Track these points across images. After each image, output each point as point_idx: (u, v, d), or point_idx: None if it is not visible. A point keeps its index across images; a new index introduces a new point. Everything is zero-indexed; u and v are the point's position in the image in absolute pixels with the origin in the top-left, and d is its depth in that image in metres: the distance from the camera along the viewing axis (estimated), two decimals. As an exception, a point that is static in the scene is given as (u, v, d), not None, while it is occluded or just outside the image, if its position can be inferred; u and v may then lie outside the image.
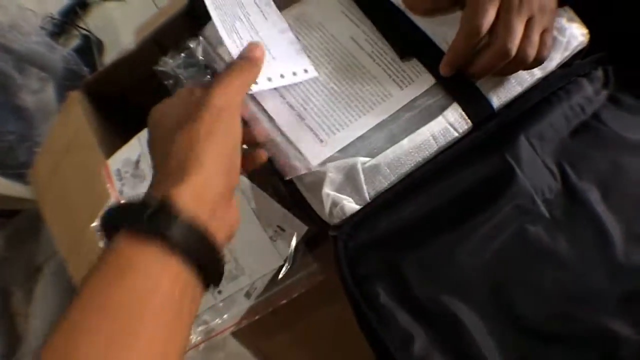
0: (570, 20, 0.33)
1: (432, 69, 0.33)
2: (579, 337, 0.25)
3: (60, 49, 0.90)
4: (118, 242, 0.21)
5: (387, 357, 0.26)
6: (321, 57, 0.36)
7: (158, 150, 0.26)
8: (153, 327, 0.19)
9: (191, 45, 0.43)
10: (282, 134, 0.32)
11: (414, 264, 0.28)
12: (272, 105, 0.33)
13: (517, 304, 0.26)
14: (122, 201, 0.30)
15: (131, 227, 0.21)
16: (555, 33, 0.32)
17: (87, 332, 0.18)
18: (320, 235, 0.36)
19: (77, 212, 0.55)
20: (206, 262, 0.22)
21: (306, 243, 0.35)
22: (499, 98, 0.32)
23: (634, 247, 0.27)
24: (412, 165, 0.31)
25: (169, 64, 0.47)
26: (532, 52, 0.28)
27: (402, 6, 0.35)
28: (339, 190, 0.30)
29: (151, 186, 0.24)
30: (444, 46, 0.33)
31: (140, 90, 0.58)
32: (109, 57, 0.97)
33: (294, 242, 0.34)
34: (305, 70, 0.34)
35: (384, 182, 0.30)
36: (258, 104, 0.33)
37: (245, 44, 0.29)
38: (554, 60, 0.32)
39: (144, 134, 0.48)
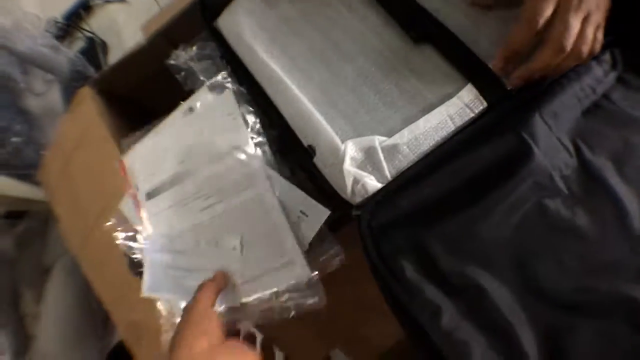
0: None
1: (447, 53, 0.33)
2: (602, 306, 0.26)
3: (66, 51, 0.90)
4: None
5: (416, 331, 0.26)
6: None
7: None
8: None
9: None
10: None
11: (437, 239, 0.28)
12: None
13: (540, 276, 0.27)
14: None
15: None
16: None
17: None
18: (343, 218, 0.36)
19: (87, 207, 0.55)
20: None
21: (329, 226, 0.36)
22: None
23: (651, 218, 0.27)
24: (431, 144, 0.31)
25: (182, 56, 0.47)
26: (586, 49, 0.29)
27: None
28: (360, 168, 0.30)
29: None
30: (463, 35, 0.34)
31: (149, 86, 0.59)
32: (114, 57, 0.97)
33: (316, 227, 0.34)
34: None
35: (403, 161, 0.31)
36: None
37: None
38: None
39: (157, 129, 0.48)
